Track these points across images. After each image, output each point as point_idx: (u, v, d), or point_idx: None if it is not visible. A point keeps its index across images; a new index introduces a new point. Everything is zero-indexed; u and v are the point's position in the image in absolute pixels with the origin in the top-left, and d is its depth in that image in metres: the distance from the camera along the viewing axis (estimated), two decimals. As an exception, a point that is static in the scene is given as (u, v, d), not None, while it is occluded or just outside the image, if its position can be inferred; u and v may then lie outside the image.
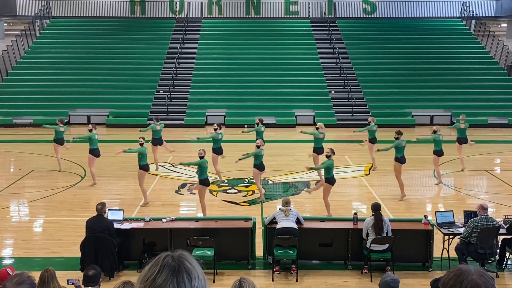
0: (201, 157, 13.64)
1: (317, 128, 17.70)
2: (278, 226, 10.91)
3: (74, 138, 18.33)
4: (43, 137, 19.54)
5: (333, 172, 13.71)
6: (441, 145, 17.21)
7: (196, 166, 14.36)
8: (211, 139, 17.76)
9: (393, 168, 16.04)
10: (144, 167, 15.05)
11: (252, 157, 15.45)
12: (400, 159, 15.81)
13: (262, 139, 17.37)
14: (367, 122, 19.70)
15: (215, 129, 17.71)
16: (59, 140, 18.75)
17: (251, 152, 15.64)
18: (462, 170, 19.21)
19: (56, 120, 19.46)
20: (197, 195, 14.28)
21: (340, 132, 24.94)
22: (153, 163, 18.96)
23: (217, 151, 17.47)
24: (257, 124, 18.71)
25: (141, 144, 15.08)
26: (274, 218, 11.16)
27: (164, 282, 2.06)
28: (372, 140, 19.00)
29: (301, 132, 19.18)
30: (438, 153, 17.28)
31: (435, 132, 17.25)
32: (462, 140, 19.14)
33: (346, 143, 23.97)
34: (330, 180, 13.68)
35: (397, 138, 15.85)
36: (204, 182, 13.75)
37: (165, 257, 2.13)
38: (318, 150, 17.41)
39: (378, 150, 16.82)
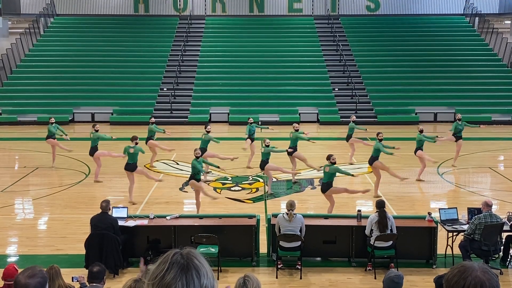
0: (197, 157, 13.75)
1: (296, 130, 17.70)
2: (281, 232, 10.79)
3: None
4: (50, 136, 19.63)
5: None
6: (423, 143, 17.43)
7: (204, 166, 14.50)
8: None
9: (379, 167, 15.96)
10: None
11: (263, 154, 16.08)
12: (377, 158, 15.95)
13: (253, 137, 18.67)
14: (350, 119, 20.14)
15: (208, 131, 17.88)
16: (54, 136, 19.19)
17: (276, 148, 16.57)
18: (452, 166, 19.34)
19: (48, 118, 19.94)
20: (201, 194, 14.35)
21: (344, 130, 24.88)
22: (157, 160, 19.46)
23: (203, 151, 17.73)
24: (250, 123, 19.12)
25: (136, 143, 15.22)
26: (279, 227, 10.84)
27: (173, 279, 2.07)
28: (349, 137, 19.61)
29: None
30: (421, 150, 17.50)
31: (421, 132, 17.43)
32: (459, 138, 19.22)
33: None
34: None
35: (380, 140, 15.86)
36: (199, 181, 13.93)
37: (173, 254, 2.13)
38: (295, 149, 17.61)
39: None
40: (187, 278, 2.08)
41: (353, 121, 19.76)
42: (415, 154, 17.58)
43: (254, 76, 32.96)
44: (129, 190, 15.28)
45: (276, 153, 16.73)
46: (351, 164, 19.49)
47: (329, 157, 13.29)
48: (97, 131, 17.68)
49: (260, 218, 11.63)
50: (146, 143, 18.86)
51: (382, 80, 32.75)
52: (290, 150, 17.39)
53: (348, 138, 19.71)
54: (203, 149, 17.17)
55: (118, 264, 10.63)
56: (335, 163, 13.32)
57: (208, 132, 17.86)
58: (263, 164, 15.99)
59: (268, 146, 16.05)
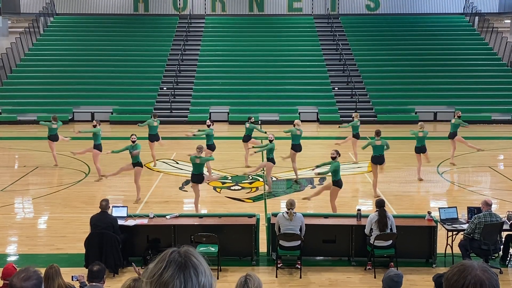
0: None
1: (294, 126, 17.67)
2: (281, 232, 10.77)
3: (80, 131, 18.70)
4: (46, 134, 19.62)
5: (340, 175, 13.58)
6: (424, 141, 17.50)
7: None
8: (204, 135, 18.18)
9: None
10: (140, 164, 15.29)
11: (263, 151, 16.02)
12: (373, 159, 15.87)
13: (250, 135, 18.75)
14: (351, 118, 20.02)
15: (208, 125, 18.13)
16: (52, 136, 19.10)
17: (264, 145, 16.35)
18: (453, 164, 19.37)
19: (50, 117, 19.80)
20: (201, 193, 14.37)
21: (343, 129, 24.91)
22: (151, 161, 19.50)
23: (211, 147, 17.85)
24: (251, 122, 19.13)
25: (133, 142, 15.18)
26: (279, 226, 10.84)
27: (171, 277, 2.06)
28: (356, 136, 19.32)
29: (283, 131, 18.59)
30: (420, 149, 17.47)
31: (421, 128, 17.42)
32: (454, 135, 19.23)
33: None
34: (338, 183, 13.40)
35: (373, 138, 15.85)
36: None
37: (171, 252, 2.13)
38: (296, 147, 17.47)
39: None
40: (185, 276, 2.07)
41: (355, 119, 19.61)
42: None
43: (254, 75, 32.94)
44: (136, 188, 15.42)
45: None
46: (355, 163, 19.49)
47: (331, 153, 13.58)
48: (95, 126, 17.73)
49: (260, 217, 11.63)
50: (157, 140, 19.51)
51: (382, 79, 32.74)
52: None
53: (356, 137, 19.45)
54: (210, 146, 17.69)
55: (118, 263, 10.63)
56: (334, 158, 13.38)
57: (209, 126, 18.03)
58: (270, 161, 16.09)
59: (271, 141, 16.01)
